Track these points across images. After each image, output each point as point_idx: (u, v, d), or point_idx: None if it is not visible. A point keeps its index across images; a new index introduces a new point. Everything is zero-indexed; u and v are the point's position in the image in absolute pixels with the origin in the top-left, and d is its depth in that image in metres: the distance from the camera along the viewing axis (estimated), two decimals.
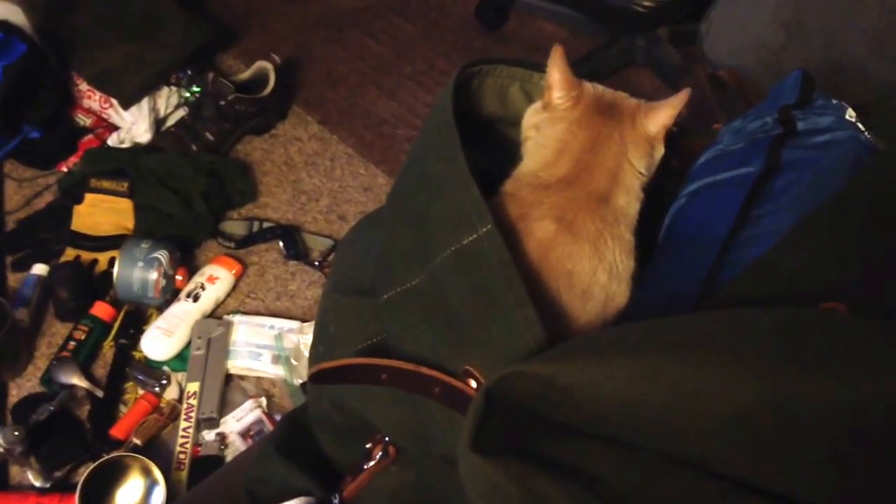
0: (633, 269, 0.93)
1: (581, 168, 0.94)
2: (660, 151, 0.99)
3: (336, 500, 0.99)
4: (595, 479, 0.70)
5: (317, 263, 1.07)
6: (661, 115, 0.97)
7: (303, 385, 1.70)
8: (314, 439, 1.09)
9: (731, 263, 0.92)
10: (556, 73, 0.97)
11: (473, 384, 0.81)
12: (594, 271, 0.90)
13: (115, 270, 1.81)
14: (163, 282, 1.81)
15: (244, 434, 1.66)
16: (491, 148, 1.04)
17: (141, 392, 1.72)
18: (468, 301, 0.83)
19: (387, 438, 0.94)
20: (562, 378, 0.69)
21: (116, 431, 1.64)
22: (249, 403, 1.70)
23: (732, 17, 1.53)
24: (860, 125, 0.99)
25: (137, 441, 1.62)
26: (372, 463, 0.95)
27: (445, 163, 0.86)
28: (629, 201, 0.95)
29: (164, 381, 1.72)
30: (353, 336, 0.94)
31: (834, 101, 1.02)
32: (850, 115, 0.99)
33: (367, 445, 0.96)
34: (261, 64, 2.20)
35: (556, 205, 0.91)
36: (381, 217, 1.01)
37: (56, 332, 1.81)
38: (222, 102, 2.09)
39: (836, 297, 0.81)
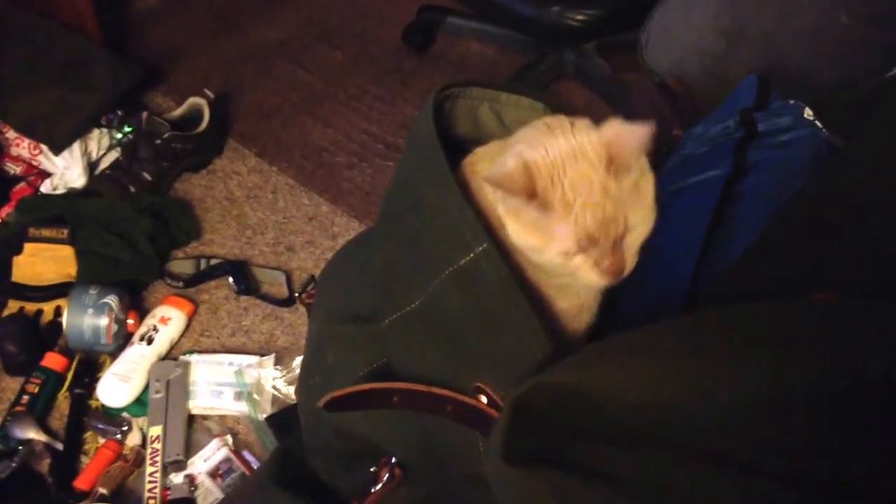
0: None
1: None
2: None
3: None
4: (620, 480, 0.72)
5: (297, 294, 1.08)
6: None
7: (268, 419, 1.69)
8: (309, 469, 1.09)
9: (712, 263, 0.95)
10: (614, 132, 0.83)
11: (484, 400, 0.83)
12: None
13: (65, 319, 1.77)
14: (115, 327, 1.78)
15: (213, 474, 1.64)
16: None
17: (102, 440, 1.68)
18: (471, 319, 0.84)
19: (393, 460, 0.95)
20: (583, 385, 0.71)
21: (81, 483, 1.60)
22: (216, 442, 1.68)
23: (671, 27, 1.56)
24: (818, 123, 1.04)
25: (104, 490, 1.58)
26: (379, 486, 0.96)
27: (437, 187, 0.87)
28: None
29: (125, 428, 1.68)
30: (353, 363, 0.94)
31: (791, 102, 1.07)
32: (808, 113, 1.04)
33: (372, 469, 0.97)
34: (194, 100, 2.18)
35: None
36: (369, 243, 1.02)
37: (7, 387, 1.76)
38: (158, 141, 2.06)
39: (815, 285, 0.85)
